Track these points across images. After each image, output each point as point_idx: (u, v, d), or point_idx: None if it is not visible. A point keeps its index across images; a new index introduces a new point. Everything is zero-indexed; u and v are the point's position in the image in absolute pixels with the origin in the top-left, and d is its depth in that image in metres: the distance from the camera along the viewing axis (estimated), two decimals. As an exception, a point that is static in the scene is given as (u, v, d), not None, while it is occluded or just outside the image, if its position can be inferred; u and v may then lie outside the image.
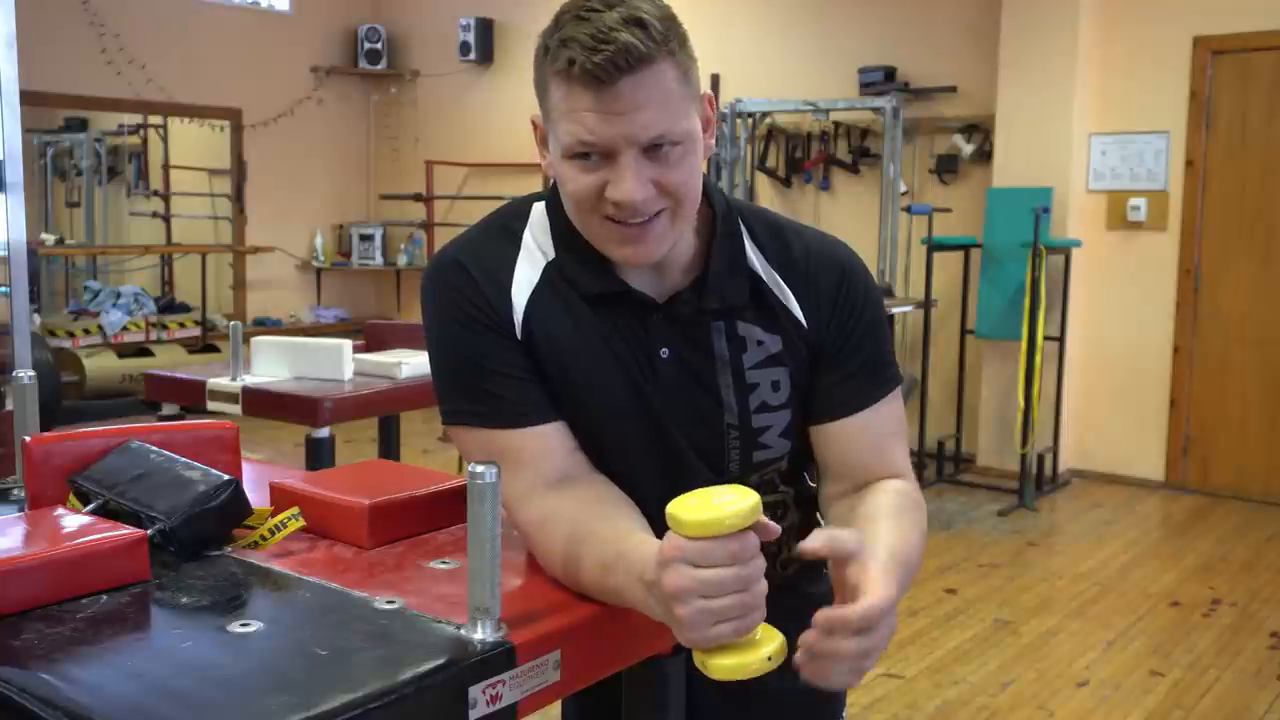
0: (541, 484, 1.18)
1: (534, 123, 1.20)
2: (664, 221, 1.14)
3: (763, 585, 0.96)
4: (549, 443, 1.19)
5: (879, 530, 1.11)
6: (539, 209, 1.26)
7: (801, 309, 1.24)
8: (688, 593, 0.93)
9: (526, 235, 1.24)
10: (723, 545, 0.93)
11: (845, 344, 1.25)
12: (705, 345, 1.23)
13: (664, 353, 1.22)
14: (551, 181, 1.25)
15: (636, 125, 1.08)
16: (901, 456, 1.27)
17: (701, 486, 1.22)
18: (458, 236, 1.27)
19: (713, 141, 1.20)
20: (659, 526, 1.12)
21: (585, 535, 1.11)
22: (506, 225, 1.26)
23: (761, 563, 0.96)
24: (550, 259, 1.23)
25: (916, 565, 1.15)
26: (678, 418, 1.23)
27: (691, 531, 0.94)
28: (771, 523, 0.97)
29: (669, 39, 1.09)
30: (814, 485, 1.35)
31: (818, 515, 1.38)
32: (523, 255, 1.23)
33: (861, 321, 1.25)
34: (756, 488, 1.28)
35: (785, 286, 1.25)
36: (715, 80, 6.94)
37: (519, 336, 1.20)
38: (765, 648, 0.97)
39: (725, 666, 0.96)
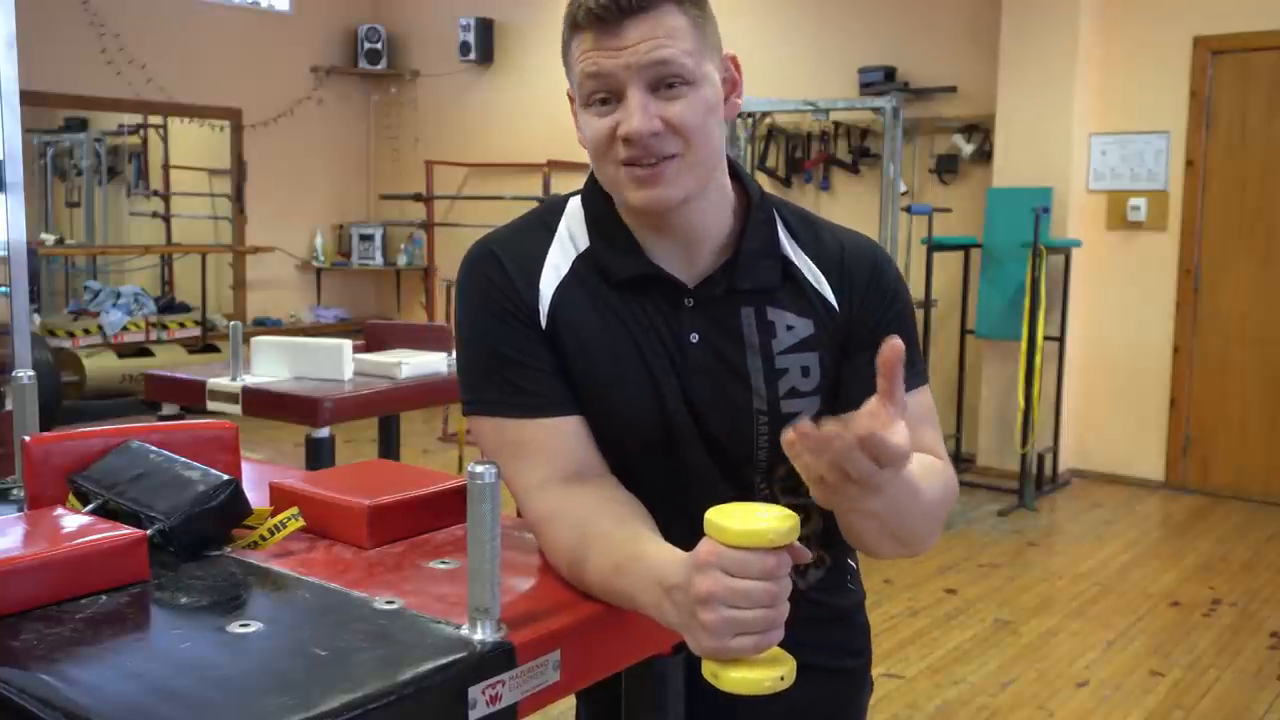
0: (555, 478, 1.18)
1: (570, 96, 1.22)
2: (675, 165, 1.15)
3: (787, 606, 0.95)
4: (566, 437, 1.19)
5: None
6: (575, 202, 1.28)
7: (834, 293, 1.25)
8: (717, 599, 0.93)
9: (561, 227, 1.26)
10: (760, 558, 0.93)
11: (877, 329, 1.23)
12: (734, 330, 1.23)
13: (693, 337, 1.22)
14: (588, 175, 1.26)
15: (637, 56, 1.11)
16: (933, 439, 1.24)
17: (722, 486, 1.22)
18: (495, 229, 1.29)
19: (739, 101, 1.21)
20: (674, 530, 1.12)
21: (595, 535, 1.11)
22: (542, 219, 1.28)
23: (789, 584, 0.95)
24: (581, 250, 1.24)
25: (924, 492, 1.08)
26: (706, 404, 1.22)
27: (732, 540, 0.93)
28: (803, 548, 0.97)
29: None
30: None
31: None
32: (555, 246, 1.25)
33: (894, 309, 1.26)
34: (784, 481, 1.26)
35: (818, 270, 1.25)
36: (715, 80, 6.94)
37: (543, 327, 1.21)
38: (779, 668, 0.96)
39: (738, 680, 0.95)
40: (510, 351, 1.20)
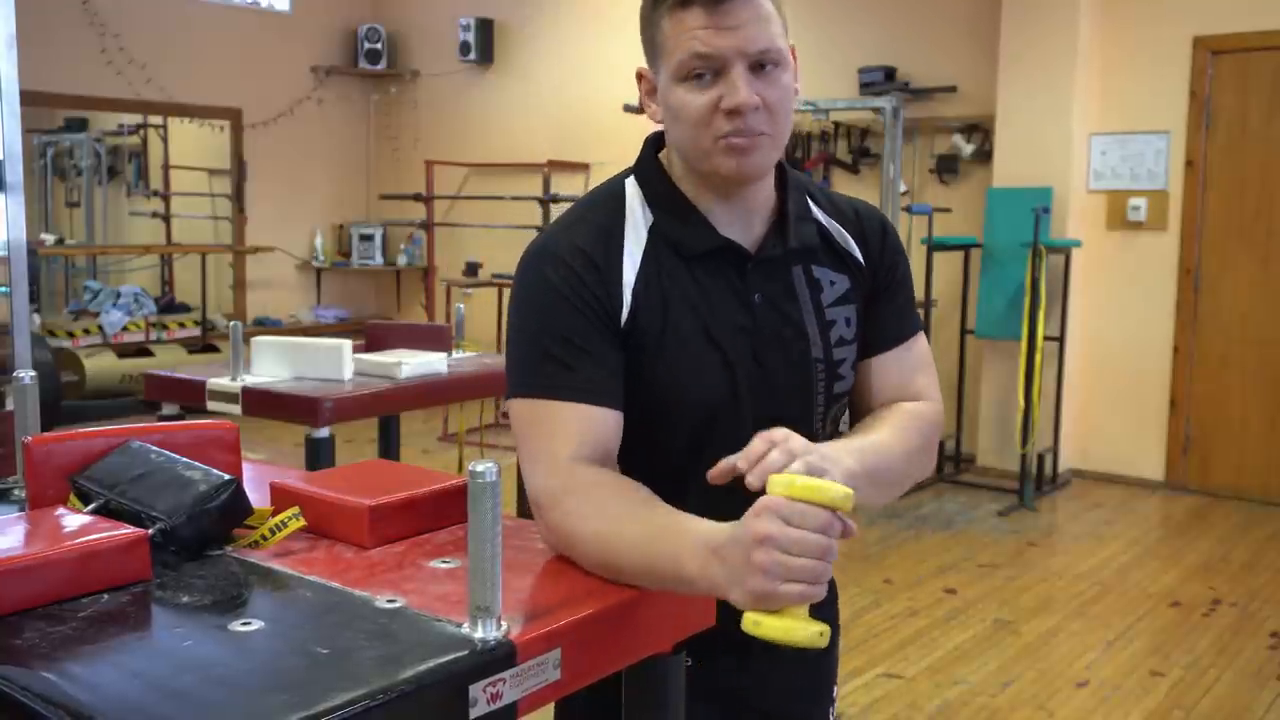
0: (581, 456, 1.20)
1: (640, 74, 1.31)
2: (765, 141, 1.25)
3: (830, 568, 1.01)
4: (599, 426, 1.22)
5: (855, 432, 1.31)
6: (630, 182, 1.34)
7: (859, 250, 1.39)
8: (773, 541, 0.98)
9: (630, 210, 1.32)
10: (817, 512, 0.99)
11: (890, 282, 1.40)
12: (789, 289, 1.34)
13: (757, 298, 1.31)
14: (638, 157, 1.34)
15: (745, 38, 1.20)
16: (925, 383, 1.40)
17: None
18: (560, 218, 1.34)
19: (799, 86, 1.31)
20: (726, 506, 1.12)
21: (629, 505, 1.15)
22: (607, 206, 1.33)
23: (836, 549, 1.01)
24: (649, 225, 1.31)
25: (897, 456, 1.27)
26: (773, 357, 1.31)
27: (796, 493, 1.00)
28: (852, 523, 1.03)
29: None
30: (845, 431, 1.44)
31: None
32: (629, 231, 1.30)
33: (900, 265, 1.42)
34: (829, 427, 1.39)
35: (845, 231, 1.39)
36: (715, 80, 6.94)
37: (622, 323, 1.25)
38: (818, 625, 1.00)
39: (780, 627, 0.99)
40: (575, 337, 1.24)
